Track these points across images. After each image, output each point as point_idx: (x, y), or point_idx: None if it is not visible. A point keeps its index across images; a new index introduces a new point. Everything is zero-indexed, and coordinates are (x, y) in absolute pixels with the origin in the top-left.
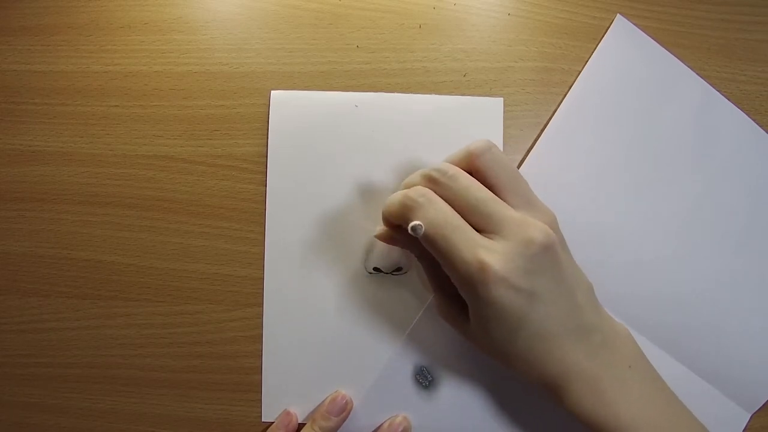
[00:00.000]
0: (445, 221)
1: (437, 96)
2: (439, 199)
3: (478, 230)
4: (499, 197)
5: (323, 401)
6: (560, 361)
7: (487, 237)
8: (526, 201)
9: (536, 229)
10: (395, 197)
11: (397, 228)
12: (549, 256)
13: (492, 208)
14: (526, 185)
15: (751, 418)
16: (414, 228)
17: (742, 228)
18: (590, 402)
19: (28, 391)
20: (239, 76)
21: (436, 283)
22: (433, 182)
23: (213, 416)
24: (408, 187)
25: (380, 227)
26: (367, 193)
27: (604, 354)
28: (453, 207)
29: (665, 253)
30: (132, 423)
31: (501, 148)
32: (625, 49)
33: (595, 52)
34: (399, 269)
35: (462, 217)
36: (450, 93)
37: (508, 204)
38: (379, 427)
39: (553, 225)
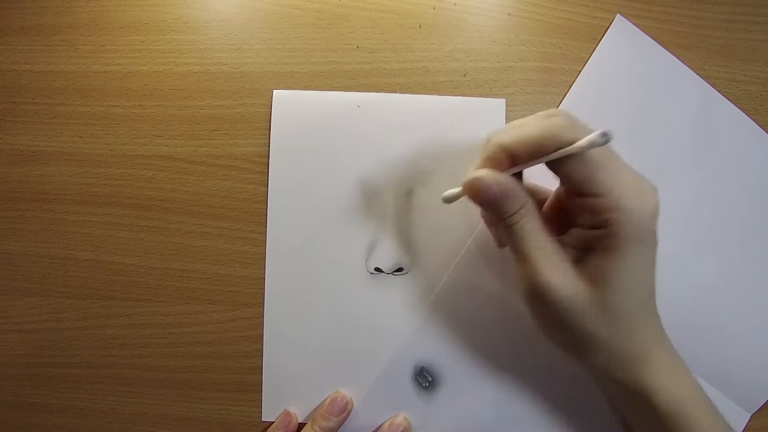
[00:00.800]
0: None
1: (441, 97)
2: None
3: None
4: None
5: (323, 401)
6: (651, 332)
7: None
8: None
9: (654, 191)
10: (531, 125)
11: (511, 160)
12: (656, 222)
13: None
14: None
15: (751, 418)
16: (605, 133)
17: (741, 228)
18: (672, 378)
19: (28, 391)
20: (239, 76)
21: (539, 244)
22: (564, 116)
23: (213, 416)
24: (523, 125)
25: (481, 171)
26: (368, 193)
27: (665, 336)
28: None
29: (665, 253)
30: (132, 423)
31: None
32: (624, 49)
33: (595, 52)
34: (400, 269)
35: None
36: (450, 93)
37: None
38: (379, 428)
39: None
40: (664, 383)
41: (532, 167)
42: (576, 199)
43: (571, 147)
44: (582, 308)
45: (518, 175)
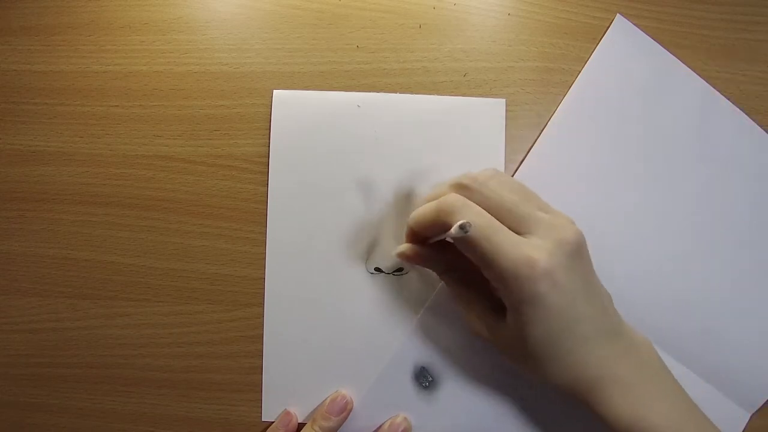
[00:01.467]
0: (486, 223)
1: (441, 97)
2: (475, 204)
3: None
4: None
5: (323, 401)
6: (597, 366)
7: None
8: (542, 209)
9: (568, 229)
10: (427, 207)
11: (422, 242)
12: (581, 256)
13: (525, 209)
14: (537, 195)
15: (750, 418)
16: (462, 226)
17: (741, 228)
18: (625, 407)
19: (28, 391)
20: (239, 76)
21: (465, 298)
22: (464, 189)
23: (213, 416)
24: (433, 198)
25: (403, 246)
26: (368, 193)
27: (634, 360)
28: (486, 211)
29: (665, 253)
30: (132, 423)
31: (503, 148)
32: (624, 49)
33: (594, 52)
34: (400, 270)
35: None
36: (450, 93)
37: None
38: (379, 428)
39: (573, 221)
40: (617, 412)
41: None
42: None
43: (446, 234)
44: (509, 352)
45: (444, 241)
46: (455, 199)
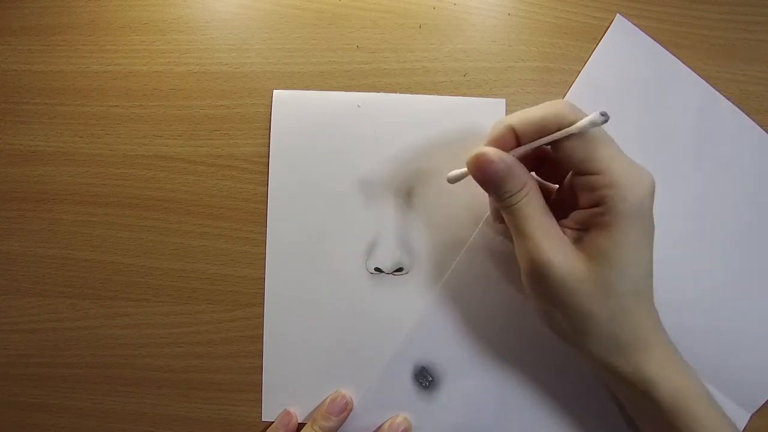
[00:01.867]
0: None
1: (440, 97)
2: None
3: None
4: None
5: (323, 401)
6: (652, 327)
7: None
8: None
9: (649, 174)
10: (536, 108)
11: (513, 141)
12: (652, 203)
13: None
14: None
15: (751, 418)
16: (604, 113)
17: (742, 228)
18: (668, 369)
19: (28, 391)
20: (239, 76)
21: (540, 223)
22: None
23: (213, 416)
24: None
25: (484, 147)
26: (368, 193)
27: (664, 329)
28: None
29: (665, 252)
30: (132, 423)
31: None
32: (624, 49)
33: (594, 52)
34: (400, 269)
35: None
36: (450, 93)
37: None
38: (379, 428)
39: None
40: (665, 375)
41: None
42: (575, 178)
43: (572, 127)
44: (579, 286)
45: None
46: (568, 102)
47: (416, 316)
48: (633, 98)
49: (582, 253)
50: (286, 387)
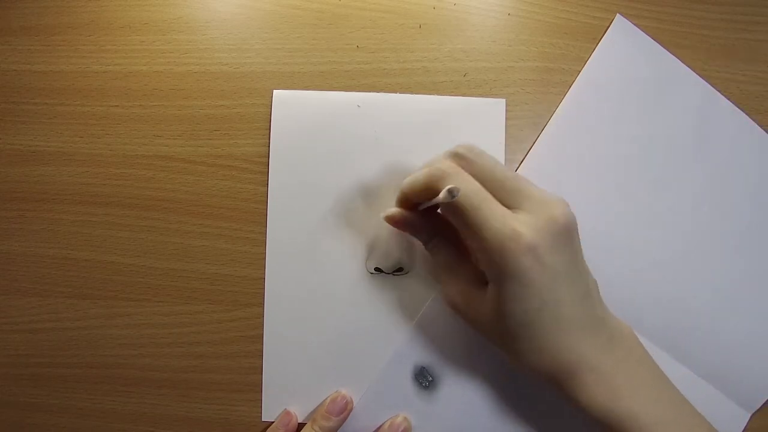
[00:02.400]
0: (475, 191)
1: (440, 97)
2: (466, 173)
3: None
4: None
5: (323, 401)
6: (574, 351)
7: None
8: (536, 188)
9: (559, 208)
10: (419, 173)
11: (413, 208)
12: (569, 237)
13: (518, 183)
14: (527, 179)
15: (751, 418)
16: (451, 191)
17: (742, 228)
18: (603, 396)
19: (28, 391)
20: (239, 76)
21: (448, 266)
22: (459, 158)
23: (213, 416)
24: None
25: (392, 209)
26: (368, 193)
27: (615, 349)
28: (479, 182)
29: (665, 252)
30: (132, 423)
31: (503, 149)
32: (624, 49)
33: (594, 52)
34: (400, 269)
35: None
36: (450, 93)
37: None
38: (379, 428)
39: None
40: (593, 400)
41: None
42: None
43: (435, 199)
44: (485, 327)
45: (433, 210)
46: (448, 165)
47: (416, 316)
48: (633, 98)
49: (485, 297)
50: (286, 387)
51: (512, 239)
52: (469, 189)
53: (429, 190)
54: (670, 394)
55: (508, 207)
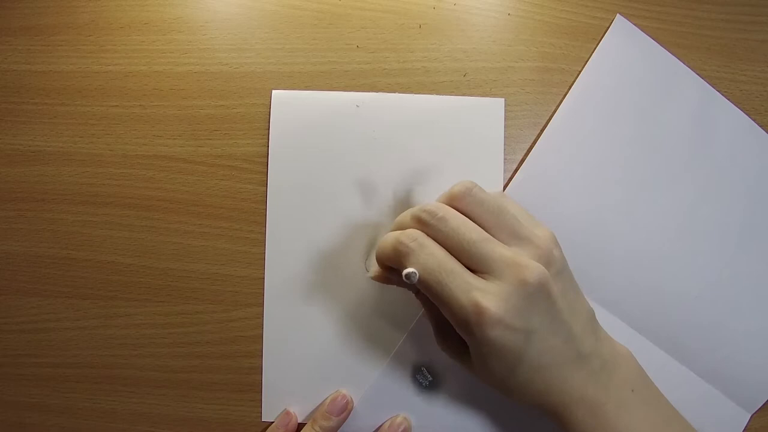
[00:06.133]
0: (438, 266)
1: (439, 96)
2: (432, 242)
3: (471, 271)
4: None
5: (324, 401)
6: (560, 390)
7: (481, 277)
8: (516, 236)
9: (529, 270)
10: (388, 240)
11: (392, 270)
12: (543, 294)
13: (483, 249)
14: (514, 218)
15: (751, 418)
16: (408, 276)
17: (741, 228)
18: (595, 425)
19: (28, 391)
20: (239, 76)
21: (436, 320)
22: (423, 224)
23: (213, 416)
24: (399, 227)
25: (375, 269)
26: (368, 193)
27: (605, 378)
28: (445, 248)
29: (665, 253)
30: (132, 423)
31: (502, 148)
32: (624, 49)
33: (595, 52)
34: None
35: (455, 257)
36: (450, 93)
37: (499, 240)
38: (379, 428)
39: (550, 248)
40: (586, 430)
41: None
42: None
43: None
44: (477, 375)
45: None
46: (410, 239)
47: (416, 316)
48: (633, 98)
49: (467, 348)
50: (286, 387)
51: (476, 313)
52: (432, 264)
53: (395, 262)
54: (666, 418)
55: (478, 271)
